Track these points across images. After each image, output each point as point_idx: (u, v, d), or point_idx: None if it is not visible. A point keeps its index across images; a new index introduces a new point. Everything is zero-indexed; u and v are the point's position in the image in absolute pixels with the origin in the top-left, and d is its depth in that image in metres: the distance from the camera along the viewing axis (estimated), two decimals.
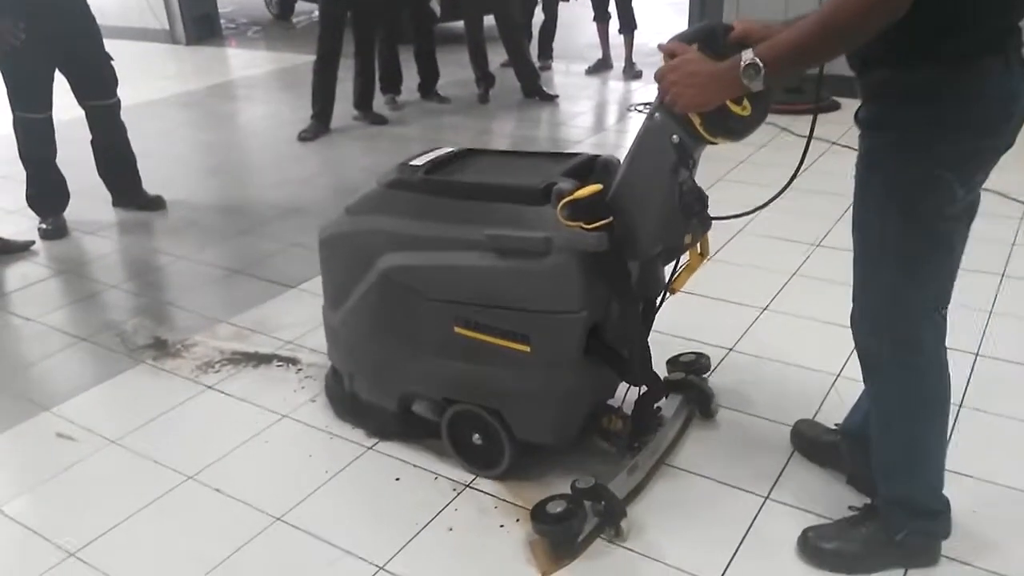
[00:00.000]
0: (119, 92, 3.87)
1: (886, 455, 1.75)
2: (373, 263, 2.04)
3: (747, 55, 1.40)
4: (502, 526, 1.95)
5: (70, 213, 3.91)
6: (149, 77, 7.08)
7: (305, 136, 5.17)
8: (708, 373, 2.41)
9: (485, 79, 5.95)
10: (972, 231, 1.61)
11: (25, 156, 3.75)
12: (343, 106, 5.40)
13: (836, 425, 2.10)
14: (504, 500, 2.02)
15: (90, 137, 3.91)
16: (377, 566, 1.84)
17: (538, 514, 1.85)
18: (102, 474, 2.20)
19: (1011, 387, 2.38)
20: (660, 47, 1.59)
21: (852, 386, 2.19)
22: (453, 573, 1.84)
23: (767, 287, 3.00)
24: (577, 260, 1.79)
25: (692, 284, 2.94)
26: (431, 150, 2.15)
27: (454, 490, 2.06)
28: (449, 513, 1.99)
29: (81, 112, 3.85)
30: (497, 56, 6.19)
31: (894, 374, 1.67)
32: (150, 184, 4.13)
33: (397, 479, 2.11)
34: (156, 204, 4.05)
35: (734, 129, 1.61)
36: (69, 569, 1.88)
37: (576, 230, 1.75)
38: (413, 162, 2.07)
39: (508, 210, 1.86)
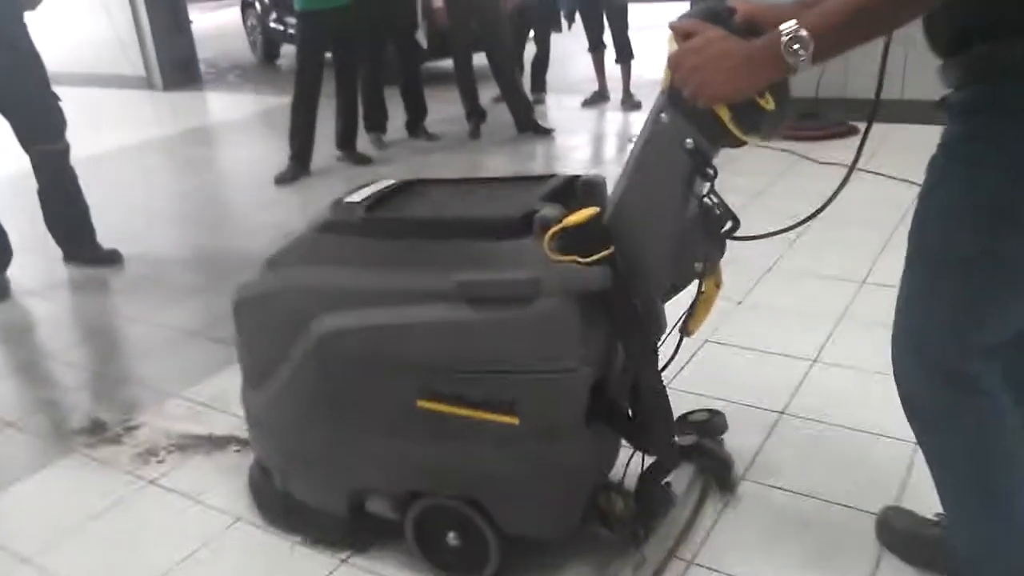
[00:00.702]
0: (70, 138, 3.47)
1: (963, 537, 1.44)
2: (306, 328, 1.61)
3: (789, 27, 1.13)
4: None
5: (14, 271, 3.47)
6: (120, 124, 6.73)
7: (282, 179, 4.78)
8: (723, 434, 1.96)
9: (475, 114, 5.59)
10: None
11: None
12: (326, 147, 5.02)
13: (939, 515, 1.65)
14: None
15: (36, 186, 3.50)
16: None
17: None
18: None
19: None
20: (672, 26, 1.30)
21: None
22: None
23: (812, 334, 2.57)
24: (573, 303, 1.43)
25: (724, 333, 2.59)
26: (369, 183, 1.75)
27: None
28: None
29: (27, 163, 3.44)
30: (489, 91, 5.84)
31: (948, 423, 1.37)
32: (110, 237, 3.71)
33: None
34: (111, 259, 3.62)
35: (764, 126, 1.32)
36: None
37: (569, 266, 1.41)
38: (349, 199, 1.67)
39: (479, 248, 1.50)
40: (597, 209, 1.45)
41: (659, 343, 1.60)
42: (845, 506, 1.82)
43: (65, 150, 3.46)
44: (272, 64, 9.52)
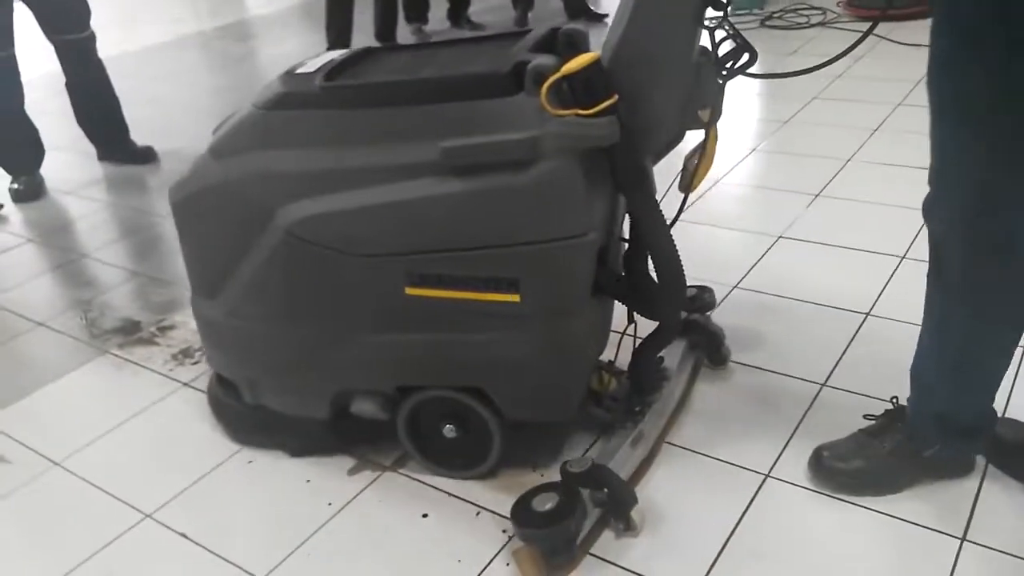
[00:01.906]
0: (104, 36, 3.29)
1: (935, 369, 1.41)
2: (269, 220, 1.43)
3: None
4: None
5: (49, 170, 3.37)
6: (155, 20, 6.50)
7: None
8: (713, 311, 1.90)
9: (523, 0, 5.23)
10: None
11: None
12: (364, 40, 4.75)
13: None
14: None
15: (64, 81, 3.35)
16: None
17: (521, 514, 1.38)
18: (41, 508, 1.66)
19: None
20: None
21: None
22: None
23: (901, 230, 2.31)
24: (576, 162, 1.28)
25: (800, 229, 2.36)
26: (317, 55, 1.55)
27: (504, 531, 1.47)
28: (498, 569, 1.41)
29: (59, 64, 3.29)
30: None
31: (972, 279, 1.28)
32: (148, 134, 3.57)
33: (424, 515, 1.53)
34: (146, 156, 3.48)
35: None
36: None
37: (571, 119, 1.25)
38: (301, 70, 1.47)
39: (464, 109, 1.31)
40: (596, 54, 1.27)
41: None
42: None
43: (90, 39, 3.28)
44: None
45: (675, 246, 1.41)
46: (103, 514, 1.61)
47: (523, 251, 1.33)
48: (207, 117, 4.20)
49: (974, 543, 1.36)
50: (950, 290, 1.32)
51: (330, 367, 1.55)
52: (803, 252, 2.27)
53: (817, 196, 2.57)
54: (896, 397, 1.53)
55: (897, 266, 2.15)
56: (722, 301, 2.04)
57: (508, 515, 1.48)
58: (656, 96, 1.32)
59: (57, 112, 3.55)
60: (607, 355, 1.65)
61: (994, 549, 1.35)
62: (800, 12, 4.61)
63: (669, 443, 1.63)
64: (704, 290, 1.88)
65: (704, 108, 1.44)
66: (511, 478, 1.57)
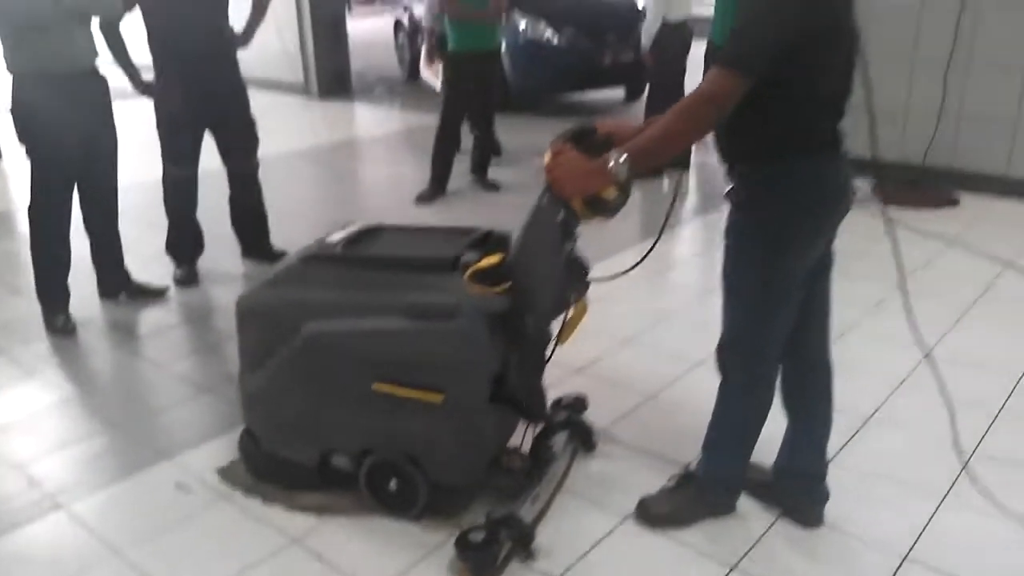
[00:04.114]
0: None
1: (718, 443, 2.21)
2: (297, 330, 2.20)
3: (614, 154, 1.79)
4: None
5: (203, 261, 4.17)
6: (282, 129, 7.49)
7: (423, 198, 5.38)
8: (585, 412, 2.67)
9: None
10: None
11: (168, 206, 4.05)
12: (459, 168, 5.58)
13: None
14: None
15: (228, 193, 4.19)
16: None
17: (462, 543, 2.08)
18: (215, 528, 2.32)
19: None
20: (550, 144, 1.96)
21: None
22: None
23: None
24: (483, 320, 2.05)
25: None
26: (344, 227, 2.42)
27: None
28: None
29: (217, 166, 4.09)
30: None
31: (742, 394, 2.13)
32: (274, 237, 4.35)
33: None
34: (281, 259, 4.25)
35: (606, 210, 1.98)
36: None
37: (482, 294, 2.05)
38: (329, 239, 2.34)
39: (422, 279, 2.13)
40: (501, 256, 2.11)
41: (549, 350, 2.30)
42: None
43: (256, 167, 4.14)
44: (416, 82, 10.21)
45: (540, 374, 2.29)
46: (257, 538, 2.25)
47: (446, 369, 2.08)
48: (323, 228, 4.97)
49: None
50: (736, 393, 2.13)
51: (319, 431, 2.30)
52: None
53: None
54: (689, 463, 2.37)
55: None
56: None
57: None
58: (536, 285, 2.08)
59: (208, 207, 4.19)
60: (515, 443, 2.41)
61: None
62: None
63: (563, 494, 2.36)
64: (579, 398, 2.68)
65: (571, 294, 2.22)
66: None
